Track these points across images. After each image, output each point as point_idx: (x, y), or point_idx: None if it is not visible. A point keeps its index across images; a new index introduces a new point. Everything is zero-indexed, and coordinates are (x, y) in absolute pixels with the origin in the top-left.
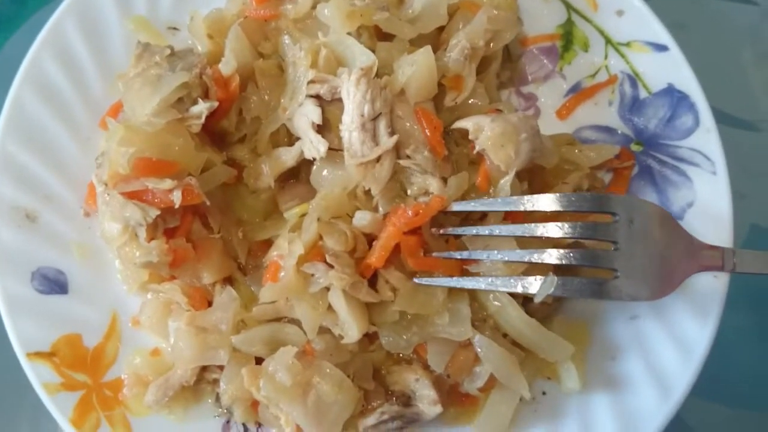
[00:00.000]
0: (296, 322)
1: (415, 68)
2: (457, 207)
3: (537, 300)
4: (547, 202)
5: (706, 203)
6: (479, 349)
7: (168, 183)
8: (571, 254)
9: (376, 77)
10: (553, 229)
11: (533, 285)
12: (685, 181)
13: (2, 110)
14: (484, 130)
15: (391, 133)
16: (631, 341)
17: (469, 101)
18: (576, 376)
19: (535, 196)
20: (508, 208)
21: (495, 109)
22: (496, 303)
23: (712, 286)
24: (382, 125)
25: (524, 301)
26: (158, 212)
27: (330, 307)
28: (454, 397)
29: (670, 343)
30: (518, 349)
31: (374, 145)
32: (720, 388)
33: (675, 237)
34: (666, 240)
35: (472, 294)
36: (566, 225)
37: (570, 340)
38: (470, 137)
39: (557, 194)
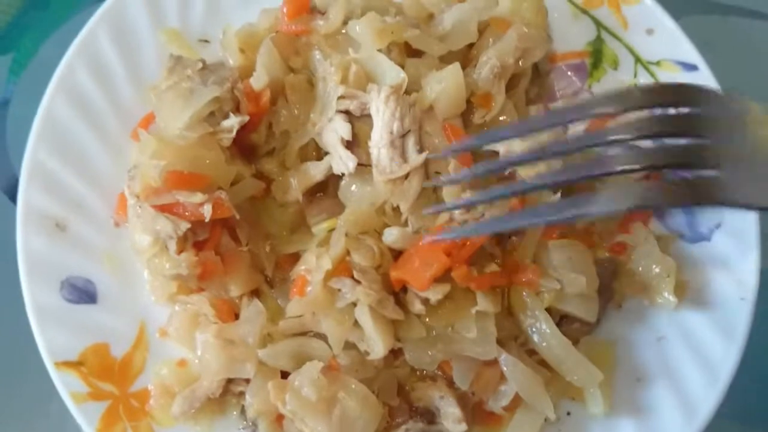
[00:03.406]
0: (322, 337)
1: (444, 85)
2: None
3: (613, 211)
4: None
5: (734, 224)
6: (505, 368)
7: (199, 197)
8: (647, 154)
9: (405, 94)
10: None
11: (600, 202)
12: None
13: (34, 119)
14: (515, 151)
15: (420, 151)
16: (657, 363)
17: (499, 119)
18: (601, 401)
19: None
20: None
21: None
22: (531, 319)
23: (739, 306)
24: (411, 142)
25: (560, 320)
26: (189, 225)
27: (356, 323)
28: (478, 415)
29: (696, 365)
30: (544, 369)
31: (403, 162)
32: (747, 410)
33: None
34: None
35: (508, 308)
36: (631, 124)
37: (596, 361)
38: (501, 157)
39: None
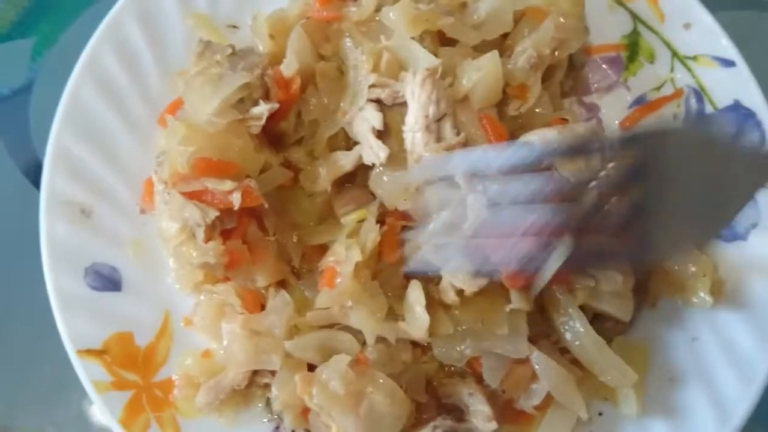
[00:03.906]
0: (349, 330)
1: (482, 73)
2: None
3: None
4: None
5: None
6: (537, 366)
7: (228, 184)
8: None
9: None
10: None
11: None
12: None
13: (58, 103)
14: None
15: (458, 134)
16: (690, 364)
17: (535, 110)
18: (634, 402)
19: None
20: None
21: (560, 119)
22: (564, 316)
23: None
24: (448, 126)
25: (593, 319)
26: (217, 213)
27: (389, 312)
28: (508, 414)
29: (730, 366)
30: (576, 368)
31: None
32: None
33: (722, 160)
34: (707, 169)
35: (539, 305)
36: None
37: (629, 361)
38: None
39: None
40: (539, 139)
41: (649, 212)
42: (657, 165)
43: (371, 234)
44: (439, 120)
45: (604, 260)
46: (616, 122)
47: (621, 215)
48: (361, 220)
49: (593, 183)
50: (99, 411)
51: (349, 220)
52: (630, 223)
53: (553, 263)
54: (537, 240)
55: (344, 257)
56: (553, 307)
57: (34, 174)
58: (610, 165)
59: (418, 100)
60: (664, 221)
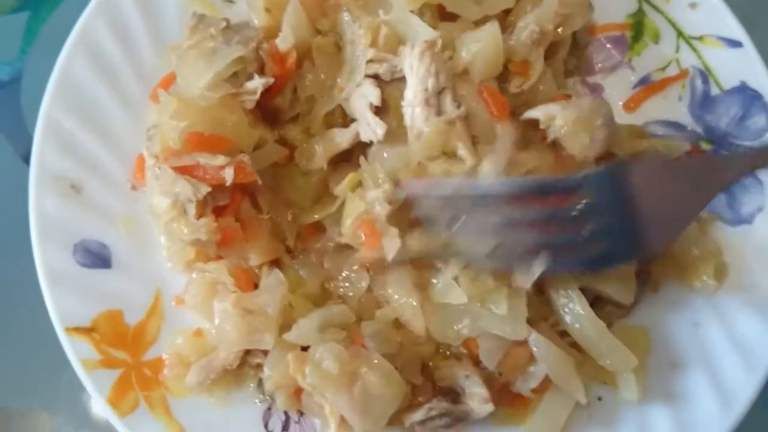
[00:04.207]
0: (346, 301)
1: (481, 45)
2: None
3: (525, 285)
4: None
5: None
6: (535, 348)
7: (220, 159)
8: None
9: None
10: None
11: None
12: (756, 184)
13: (49, 76)
14: (556, 119)
15: (458, 106)
16: (692, 349)
17: (538, 87)
18: (635, 387)
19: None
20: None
21: (564, 95)
22: (564, 298)
23: None
24: (448, 99)
25: (593, 302)
26: (209, 189)
27: None
28: (505, 397)
29: (733, 351)
30: (575, 351)
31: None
32: None
33: (675, 179)
34: (661, 192)
35: (540, 287)
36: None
37: (630, 346)
38: (541, 126)
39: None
40: (543, 114)
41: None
42: (618, 195)
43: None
44: (438, 93)
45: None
46: (620, 103)
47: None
48: (356, 184)
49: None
50: (88, 389)
51: (341, 188)
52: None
53: (534, 271)
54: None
55: (373, 203)
56: (553, 288)
57: (26, 150)
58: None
59: (416, 74)
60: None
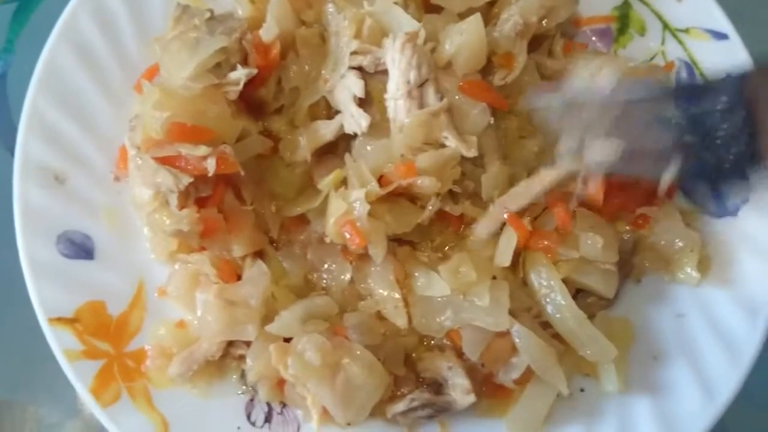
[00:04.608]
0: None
1: (465, 37)
2: None
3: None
4: None
5: (762, 200)
6: (517, 340)
7: (202, 150)
8: None
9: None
10: None
11: None
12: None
13: (35, 67)
14: None
15: (441, 98)
16: (675, 341)
17: (523, 79)
18: (615, 379)
19: None
20: None
21: None
22: (546, 288)
23: (765, 284)
24: (431, 91)
25: (576, 294)
26: (191, 179)
27: None
28: (488, 388)
29: (717, 344)
30: (557, 343)
31: None
32: None
33: None
34: None
35: (522, 278)
36: None
37: (612, 338)
38: None
39: None
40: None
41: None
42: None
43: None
44: (421, 86)
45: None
46: None
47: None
48: (340, 181)
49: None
50: (71, 380)
51: (325, 183)
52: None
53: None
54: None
55: (354, 203)
56: (536, 278)
57: (11, 141)
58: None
59: (398, 67)
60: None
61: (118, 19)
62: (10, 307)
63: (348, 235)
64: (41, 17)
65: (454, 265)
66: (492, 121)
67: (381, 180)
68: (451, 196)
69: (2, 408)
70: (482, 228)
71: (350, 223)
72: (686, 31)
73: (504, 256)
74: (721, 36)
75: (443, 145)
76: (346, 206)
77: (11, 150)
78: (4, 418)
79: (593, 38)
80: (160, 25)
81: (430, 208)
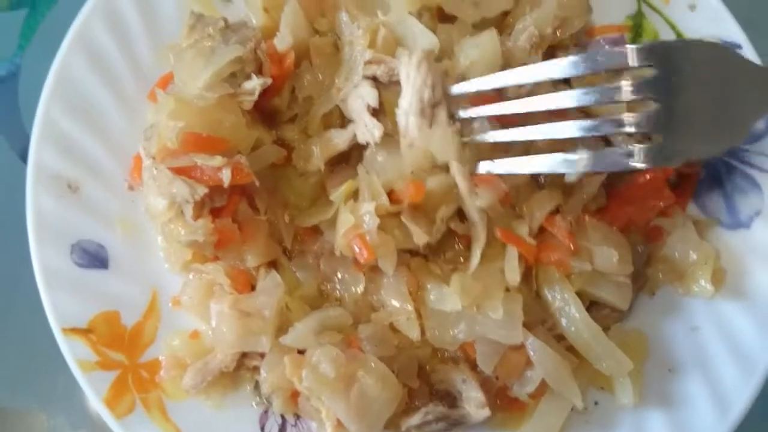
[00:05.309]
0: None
1: (480, 51)
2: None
3: (569, 179)
4: (558, 68)
5: None
6: (532, 353)
7: (218, 160)
8: (594, 124)
9: (436, 62)
10: (565, 100)
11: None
12: (754, 188)
13: (48, 75)
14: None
15: (453, 123)
16: (690, 354)
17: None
18: (631, 392)
19: (541, 64)
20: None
21: None
22: (560, 302)
23: None
24: (443, 113)
25: (590, 306)
26: (206, 190)
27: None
28: (502, 401)
29: (731, 356)
30: (572, 356)
31: None
32: None
33: (736, 74)
34: (722, 82)
35: (535, 292)
36: (578, 91)
37: (627, 351)
38: None
39: (570, 58)
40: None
41: (663, 122)
42: (673, 77)
43: (375, 186)
44: (434, 105)
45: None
46: None
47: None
48: (352, 193)
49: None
50: (85, 391)
51: (337, 194)
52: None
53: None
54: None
55: (363, 217)
56: (550, 292)
57: (23, 149)
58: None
59: (412, 84)
60: (679, 130)
61: (131, 26)
62: (23, 316)
63: (357, 249)
64: (52, 22)
65: (466, 280)
66: None
67: (391, 195)
68: (459, 214)
69: (14, 417)
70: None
71: (359, 236)
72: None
73: (512, 274)
74: (734, 46)
75: None
76: (354, 220)
77: (23, 156)
78: (16, 427)
79: (607, 47)
80: (173, 32)
81: (436, 232)
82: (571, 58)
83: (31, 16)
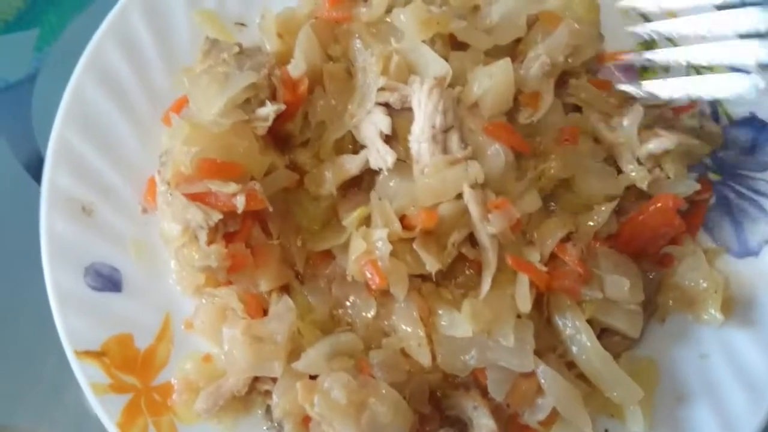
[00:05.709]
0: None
1: (493, 81)
2: None
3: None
4: None
5: None
6: (543, 380)
7: (232, 187)
8: None
9: (448, 87)
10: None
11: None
12: (764, 216)
13: (60, 97)
14: None
15: (465, 147)
16: (699, 382)
17: (548, 119)
18: (642, 420)
19: None
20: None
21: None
22: (571, 329)
23: None
24: (455, 138)
25: (600, 334)
26: (221, 216)
27: None
28: (513, 429)
29: (739, 385)
30: (583, 383)
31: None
32: None
33: None
34: None
35: (546, 319)
36: None
37: (637, 378)
38: None
39: None
40: None
41: None
42: None
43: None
44: (446, 131)
45: None
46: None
47: None
48: (365, 219)
49: None
50: (97, 413)
51: (350, 220)
52: None
53: None
54: None
55: (375, 243)
56: (560, 319)
57: (35, 168)
58: None
59: (424, 111)
60: None
61: (145, 50)
62: (32, 335)
63: (369, 274)
64: (64, 44)
65: (477, 305)
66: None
67: (403, 221)
68: (471, 239)
69: None
70: None
71: (371, 262)
72: (710, 67)
73: (523, 301)
74: (745, 71)
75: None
76: (366, 246)
77: (37, 178)
78: None
79: (617, 73)
80: (187, 56)
81: (446, 257)
82: None
83: (44, 35)
